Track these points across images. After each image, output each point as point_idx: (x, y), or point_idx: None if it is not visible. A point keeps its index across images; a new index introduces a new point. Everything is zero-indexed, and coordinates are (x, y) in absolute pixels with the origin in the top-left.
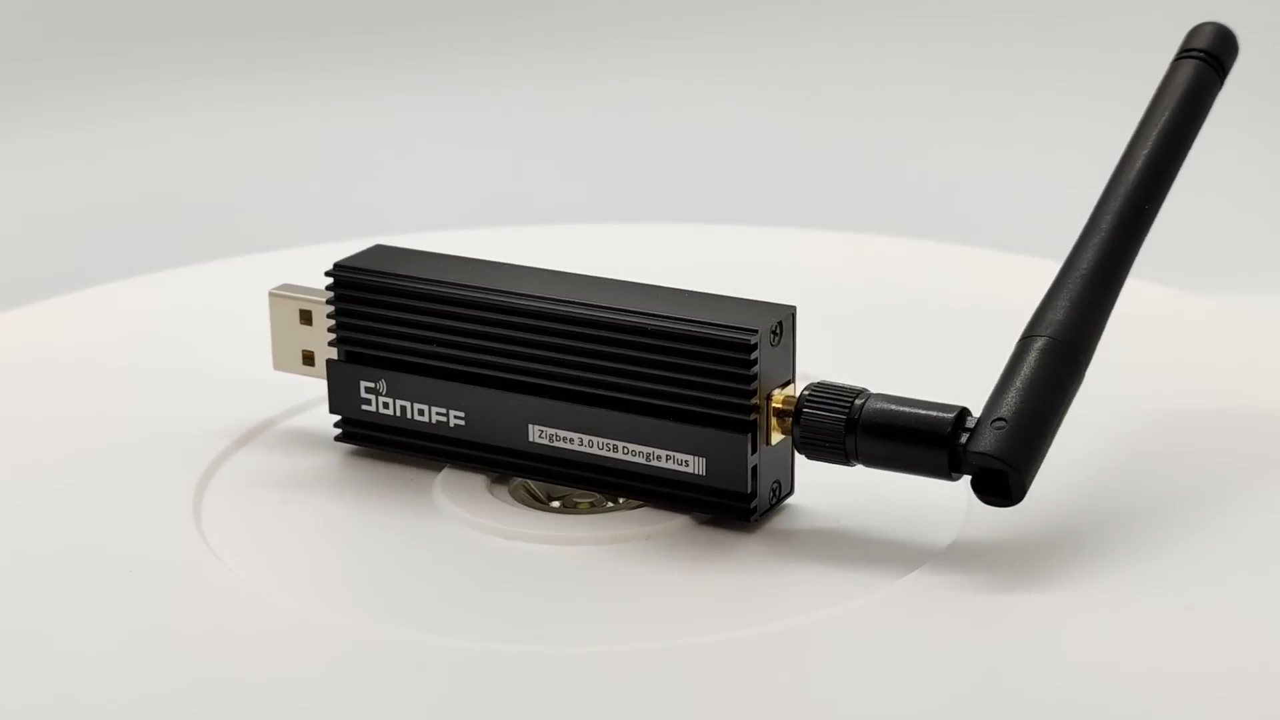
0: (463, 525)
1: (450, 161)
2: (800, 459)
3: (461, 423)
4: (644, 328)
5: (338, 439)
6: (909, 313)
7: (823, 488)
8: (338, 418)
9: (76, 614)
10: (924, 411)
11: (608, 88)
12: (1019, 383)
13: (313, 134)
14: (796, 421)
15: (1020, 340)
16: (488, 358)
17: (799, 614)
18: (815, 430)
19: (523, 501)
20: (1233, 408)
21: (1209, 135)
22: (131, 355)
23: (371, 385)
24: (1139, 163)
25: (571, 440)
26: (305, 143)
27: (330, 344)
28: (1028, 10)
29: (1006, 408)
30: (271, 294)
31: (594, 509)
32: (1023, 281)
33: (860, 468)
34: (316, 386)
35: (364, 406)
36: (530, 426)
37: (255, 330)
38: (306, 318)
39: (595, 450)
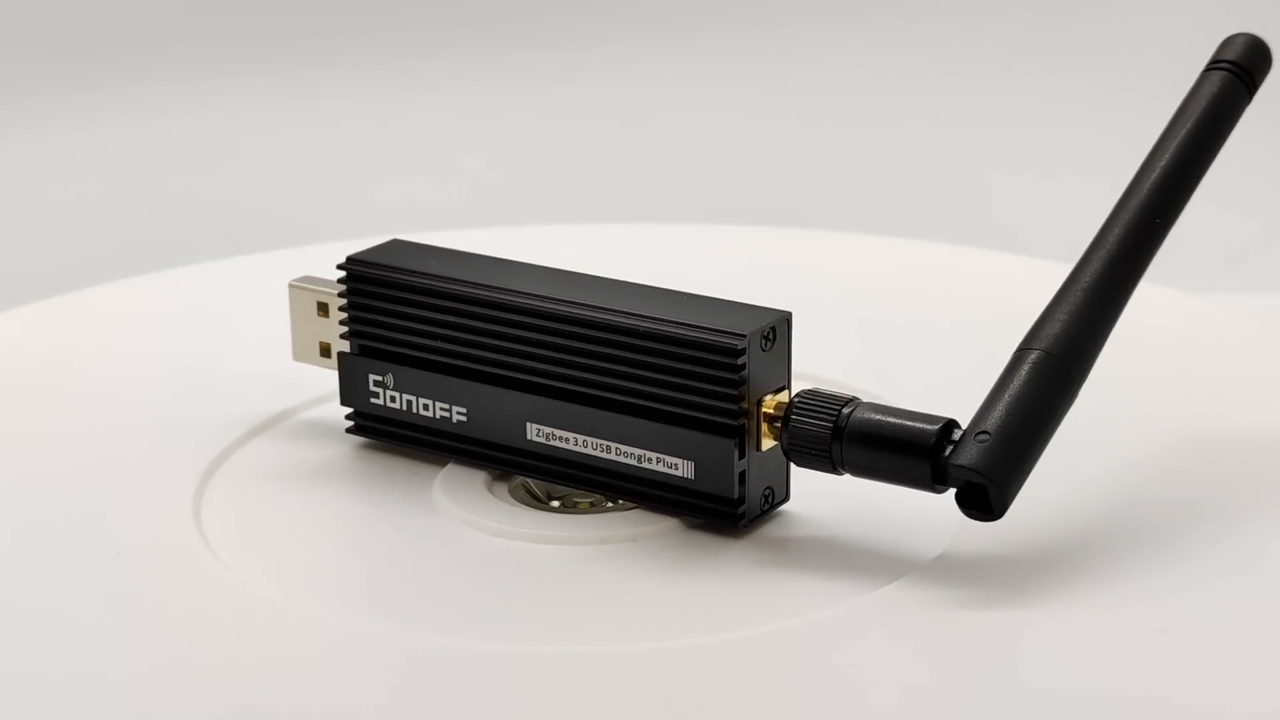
0: (454, 521)
1: (450, 162)
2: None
3: (464, 419)
4: (636, 329)
5: (348, 431)
6: (917, 316)
7: (820, 495)
8: (350, 410)
9: (58, 588)
10: (909, 423)
11: (608, 88)
12: (1007, 396)
13: (313, 136)
14: (785, 428)
15: (1015, 352)
16: (488, 354)
17: (764, 622)
18: (801, 437)
19: (522, 501)
20: (1232, 416)
21: None
22: (157, 348)
23: (379, 379)
24: (1154, 176)
25: (567, 440)
26: (306, 144)
27: (342, 336)
28: (1029, 10)
29: (992, 421)
30: (291, 285)
31: (593, 509)
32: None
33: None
34: (336, 378)
35: (373, 400)
36: (528, 425)
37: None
38: (323, 310)
39: (590, 450)
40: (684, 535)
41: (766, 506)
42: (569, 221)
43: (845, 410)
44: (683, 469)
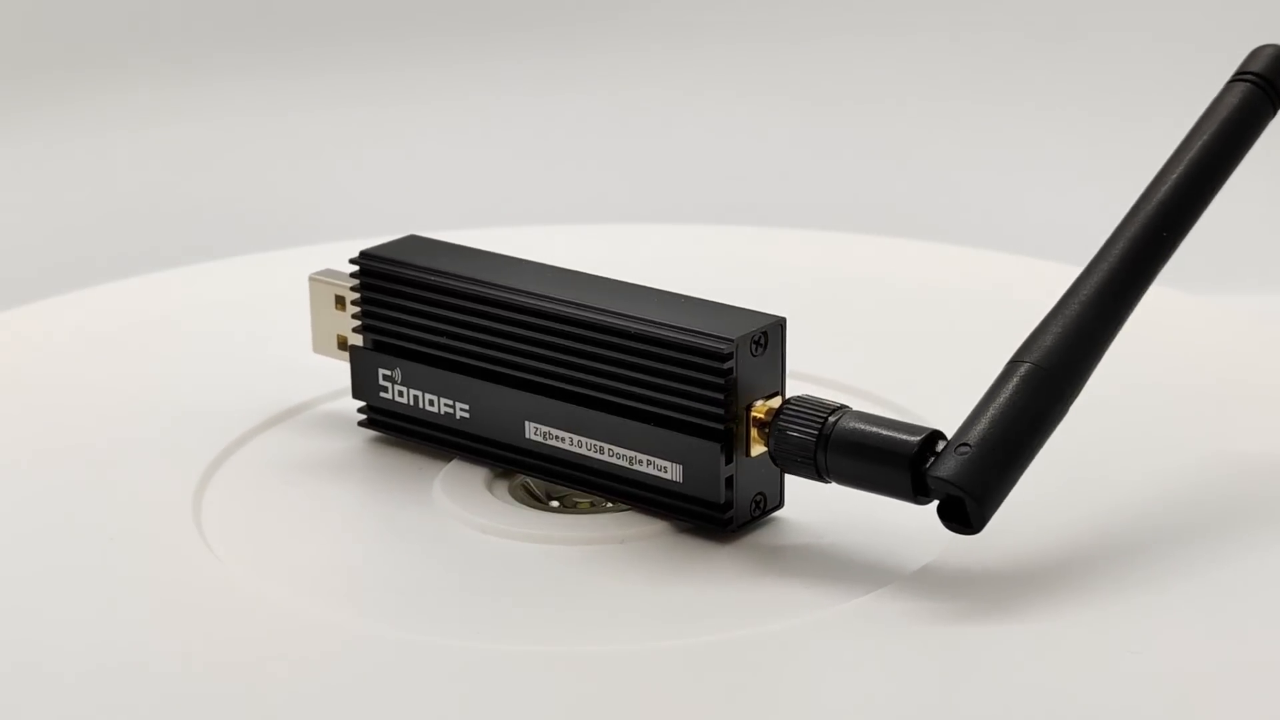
0: (448, 518)
1: (450, 162)
2: None
3: (466, 415)
4: (627, 330)
5: (360, 424)
6: (919, 317)
7: (815, 502)
8: (362, 404)
9: (49, 570)
10: (891, 433)
11: (608, 88)
12: (992, 409)
13: (315, 135)
14: (771, 434)
15: (1006, 364)
16: (489, 352)
17: (730, 629)
18: (786, 444)
19: (521, 500)
20: (1231, 437)
21: None
22: (182, 342)
23: (389, 373)
24: (1166, 187)
25: (563, 439)
26: (309, 145)
27: (355, 330)
28: (1030, 11)
29: (975, 434)
30: (311, 278)
31: (593, 509)
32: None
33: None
34: None
35: (382, 394)
36: (527, 423)
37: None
38: (341, 303)
39: (584, 451)
40: (672, 539)
41: (758, 512)
42: (569, 221)
43: (831, 418)
44: (672, 472)
